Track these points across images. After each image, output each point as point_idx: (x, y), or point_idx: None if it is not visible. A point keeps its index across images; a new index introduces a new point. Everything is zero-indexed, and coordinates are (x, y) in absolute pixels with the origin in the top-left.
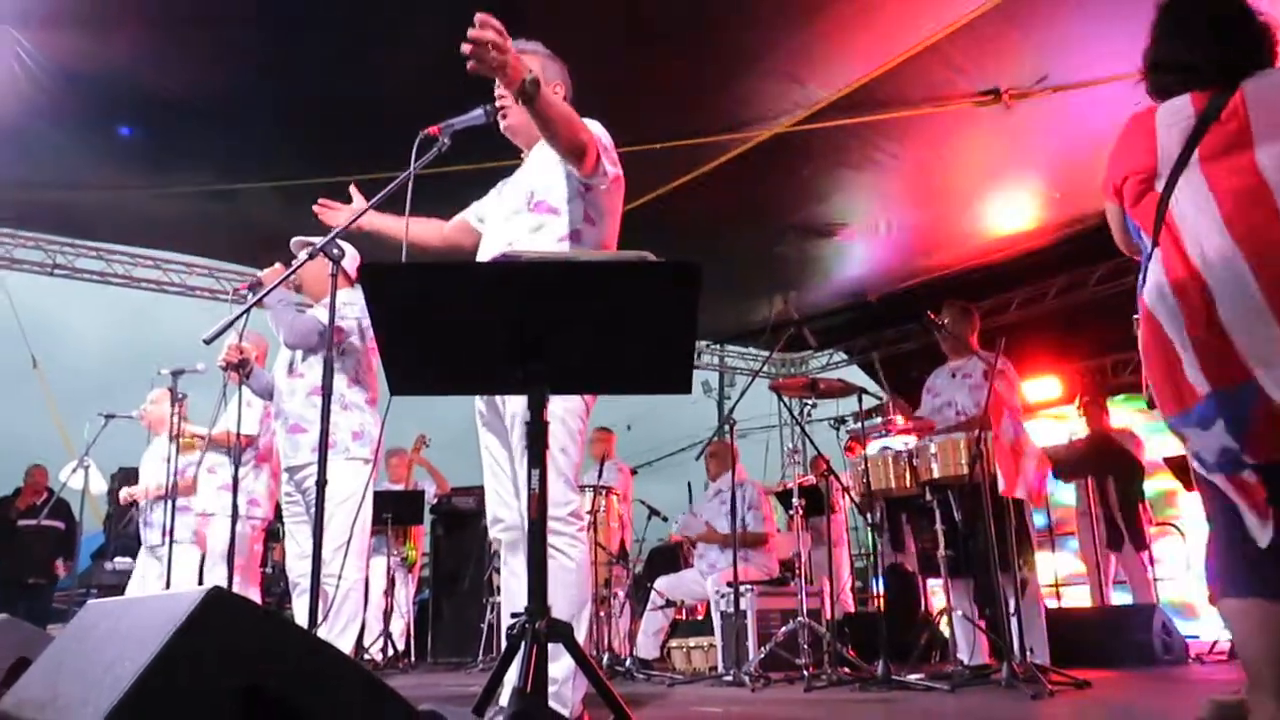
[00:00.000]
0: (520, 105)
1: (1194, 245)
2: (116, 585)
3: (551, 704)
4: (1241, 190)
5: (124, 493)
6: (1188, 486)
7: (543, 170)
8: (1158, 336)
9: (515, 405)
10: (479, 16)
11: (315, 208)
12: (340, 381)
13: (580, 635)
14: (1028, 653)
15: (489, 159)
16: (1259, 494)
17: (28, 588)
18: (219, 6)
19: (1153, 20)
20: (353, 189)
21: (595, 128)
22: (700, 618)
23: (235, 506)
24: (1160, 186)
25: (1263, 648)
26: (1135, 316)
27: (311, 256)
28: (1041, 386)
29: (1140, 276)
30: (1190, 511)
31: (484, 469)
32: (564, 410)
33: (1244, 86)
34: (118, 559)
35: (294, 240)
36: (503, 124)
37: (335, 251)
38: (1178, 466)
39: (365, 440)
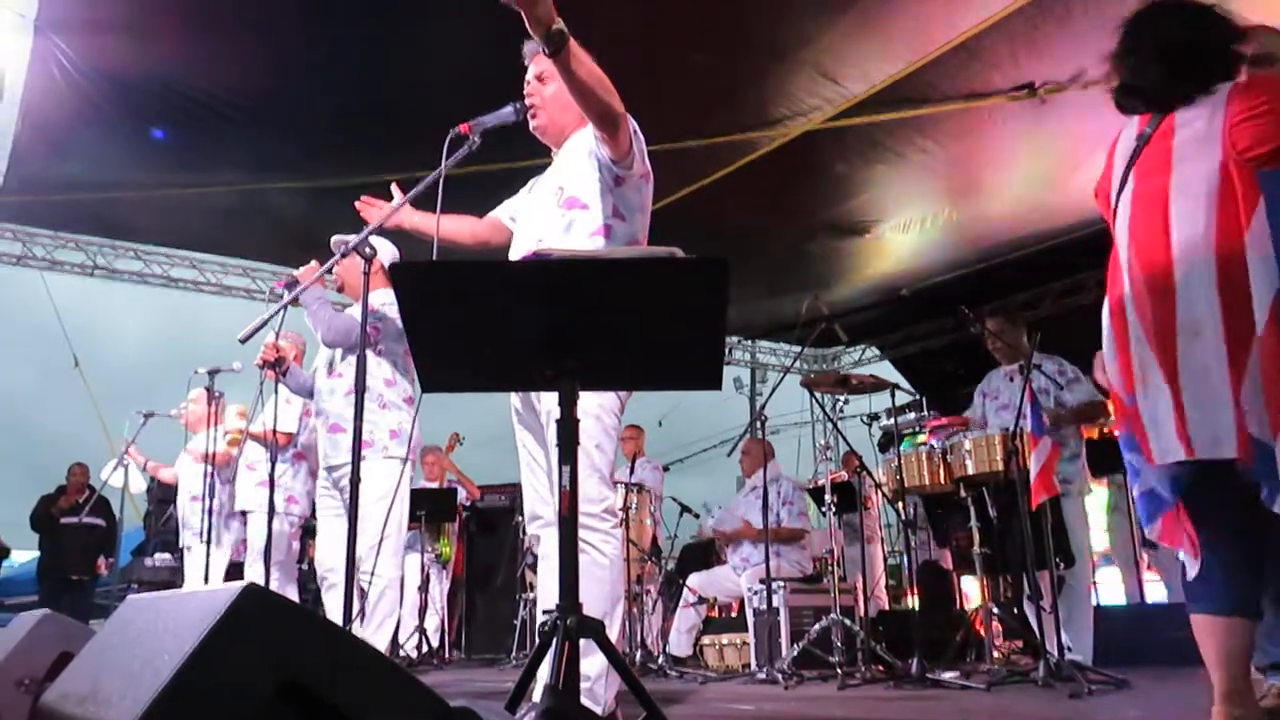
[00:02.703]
0: (548, 59)
1: (1123, 258)
2: (156, 581)
3: (584, 701)
4: (1147, 209)
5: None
6: None
7: (573, 166)
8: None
9: (550, 402)
10: None
11: (356, 204)
12: (378, 381)
13: (613, 632)
14: (1066, 651)
15: (519, 159)
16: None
17: (71, 584)
18: (253, 9)
19: (1117, 39)
20: (394, 187)
21: (629, 121)
22: (733, 615)
23: (271, 504)
24: (1113, 203)
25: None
26: None
27: (344, 255)
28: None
29: None
30: None
31: (521, 466)
32: (598, 406)
33: (1177, 112)
34: (157, 555)
35: (334, 239)
36: (532, 124)
37: (367, 250)
38: None
39: (403, 439)
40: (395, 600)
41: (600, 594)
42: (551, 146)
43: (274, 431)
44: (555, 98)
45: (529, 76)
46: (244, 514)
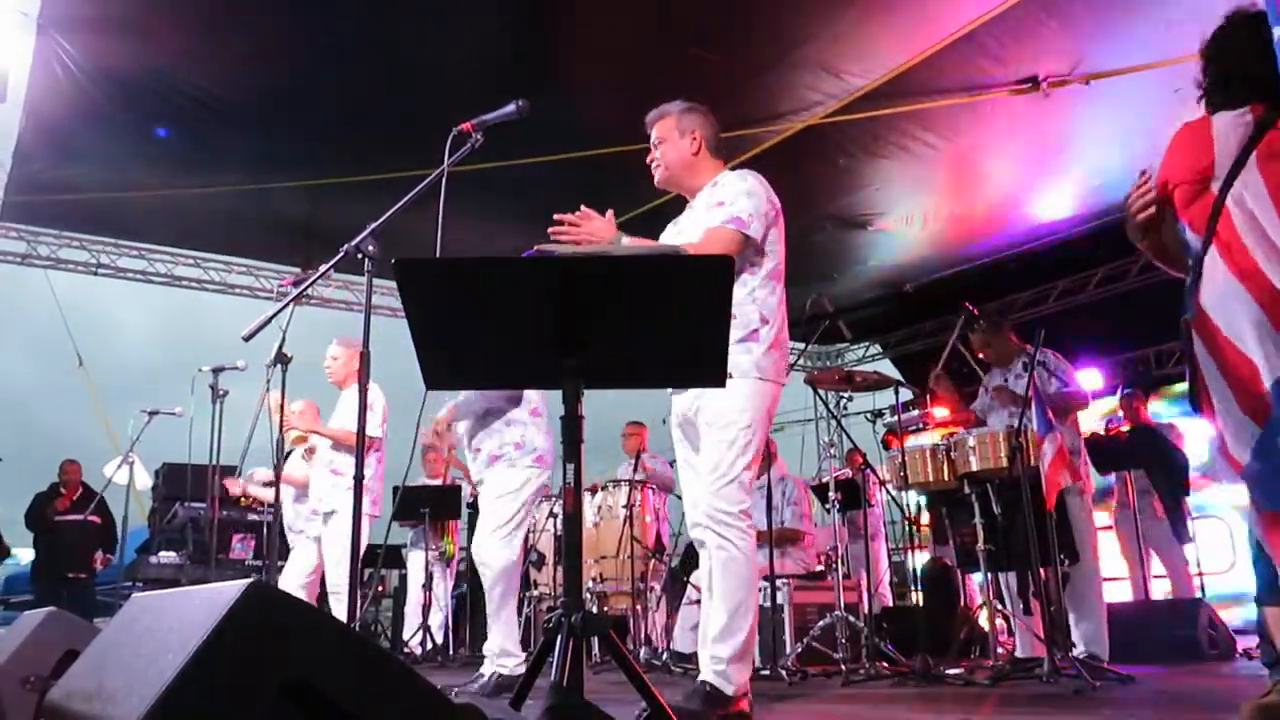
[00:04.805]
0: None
1: (1251, 240)
2: (161, 579)
3: (716, 680)
4: None
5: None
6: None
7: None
8: (1215, 339)
9: (704, 404)
10: None
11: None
12: (501, 398)
13: (747, 621)
14: (1071, 646)
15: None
16: None
17: (68, 582)
18: (255, 9)
19: (1217, 33)
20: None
21: (750, 195)
22: None
23: (277, 502)
24: (1216, 188)
25: None
26: (1185, 317)
27: (345, 255)
28: (1082, 379)
29: (1190, 279)
30: (1233, 502)
31: (682, 476)
32: (736, 412)
33: None
34: (162, 553)
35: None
36: (656, 179)
37: (369, 248)
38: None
39: (526, 450)
40: (513, 584)
41: (734, 584)
42: (686, 195)
43: (278, 440)
44: (670, 159)
45: (651, 141)
46: (327, 514)
